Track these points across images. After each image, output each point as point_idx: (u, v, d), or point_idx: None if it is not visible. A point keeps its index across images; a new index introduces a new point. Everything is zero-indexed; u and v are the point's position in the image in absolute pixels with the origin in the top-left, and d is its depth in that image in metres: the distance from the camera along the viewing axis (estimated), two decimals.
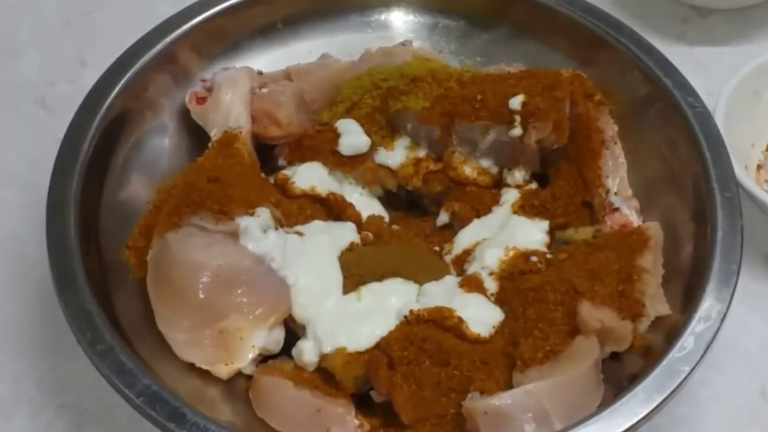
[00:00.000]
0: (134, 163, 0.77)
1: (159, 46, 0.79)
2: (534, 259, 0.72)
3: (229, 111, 0.77)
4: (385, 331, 0.68)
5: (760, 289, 0.80)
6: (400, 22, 0.87)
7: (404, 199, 0.80)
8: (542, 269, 0.71)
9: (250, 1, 0.83)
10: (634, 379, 0.63)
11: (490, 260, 0.72)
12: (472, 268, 0.73)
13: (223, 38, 0.83)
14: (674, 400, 0.63)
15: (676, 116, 0.75)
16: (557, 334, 0.66)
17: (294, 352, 0.69)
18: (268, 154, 0.79)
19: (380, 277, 0.71)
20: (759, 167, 0.85)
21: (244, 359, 0.68)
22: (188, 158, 0.78)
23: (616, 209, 0.74)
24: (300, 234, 0.72)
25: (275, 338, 0.69)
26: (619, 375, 0.66)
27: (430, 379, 0.65)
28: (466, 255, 0.75)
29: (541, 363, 0.65)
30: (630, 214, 0.74)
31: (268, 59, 0.84)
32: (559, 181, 0.77)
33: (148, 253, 0.70)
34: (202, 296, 0.67)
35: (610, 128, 0.77)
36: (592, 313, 0.66)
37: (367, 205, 0.78)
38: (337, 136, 0.77)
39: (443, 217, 0.78)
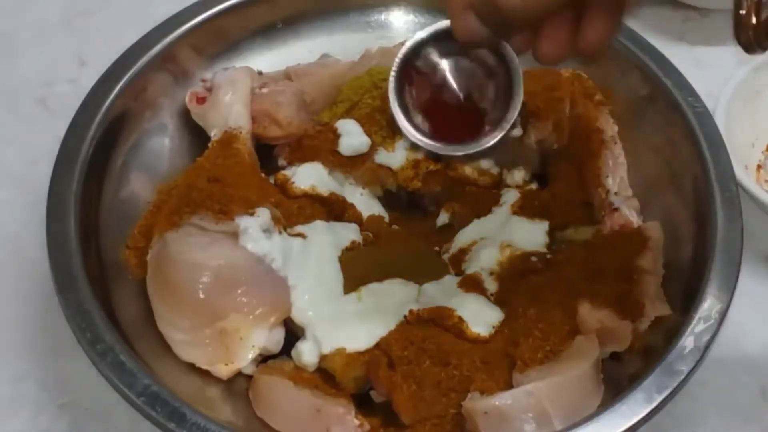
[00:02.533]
0: (134, 163, 0.77)
1: (159, 46, 0.79)
2: (534, 259, 0.72)
3: (229, 111, 0.77)
4: (385, 331, 0.68)
5: (760, 289, 0.80)
6: (400, 22, 0.87)
7: (404, 199, 0.80)
8: (542, 269, 0.71)
9: (250, 1, 0.83)
10: (634, 379, 0.63)
11: (486, 259, 0.72)
12: (471, 268, 0.73)
13: (223, 38, 0.83)
14: (674, 400, 0.63)
15: (676, 116, 0.75)
16: (557, 334, 0.66)
17: (293, 353, 0.69)
18: (268, 154, 0.79)
19: (380, 277, 0.72)
20: (759, 167, 0.85)
21: (244, 359, 0.68)
22: (188, 158, 0.78)
23: (616, 209, 0.74)
24: (303, 236, 0.72)
25: (275, 338, 0.69)
26: (619, 375, 0.66)
27: (430, 379, 0.65)
28: (463, 254, 0.75)
29: (541, 363, 0.65)
30: (630, 214, 0.74)
31: (268, 59, 0.84)
32: (559, 181, 0.77)
33: (148, 253, 0.70)
34: (202, 296, 0.67)
35: (610, 128, 0.77)
36: (592, 313, 0.66)
37: (367, 205, 0.78)
38: (337, 136, 0.77)
39: (443, 217, 0.78)
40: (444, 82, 0.64)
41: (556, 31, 0.59)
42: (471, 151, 0.64)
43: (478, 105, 0.64)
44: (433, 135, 0.64)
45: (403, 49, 0.64)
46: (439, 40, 0.63)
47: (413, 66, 0.64)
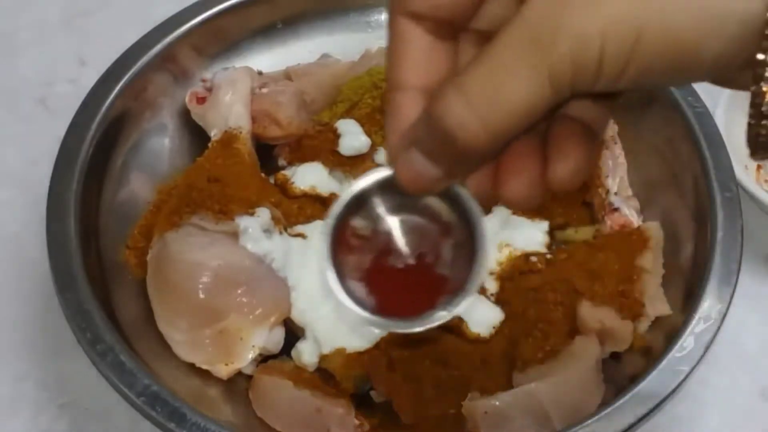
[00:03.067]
0: (134, 163, 0.77)
1: (159, 46, 0.79)
2: (534, 259, 0.72)
3: (229, 111, 0.77)
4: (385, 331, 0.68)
5: (760, 289, 0.80)
6: None
7: None
8: (542, 269, 0.71)
9: (250, 1, 0.83)
10: (634, 379, 0.63)
11: None
12: None
13: (223, 38, 0.83)
14: (674, 400, 0.63)
15: (676, 116, 0.75)
16: (557, 334, 0.66)
17: (293, 353, 0.69)
18: (268, 154, 0.79)
19: None
20: (759, 167, 0.84)
21: (244, 359, 0.68)
22: (188, 158, 0.78)
23: (616, 209, 0.74)
24: (303, 236, 0.72)
25: (275, 338, 0.69)
26: (619, 375, 0.66)
27: (430, 379, 0.65)
28: None
29: (541, 363, 0.65)
30: (630, 214, 0.74)
31: (268, 59, 0.84)
32: None
33: (148, 253, 0.70)
34: (202, 296, 0.67)
35: (610, 128, 0.77)
36: (592, 313, 0.66)
37: None
38: (337, 136, 0.77)
39: None
40: (389, 245, 0.50)
41: (520, 163, 0.44)
42: (430, 326, 0.48)
43: (434, 270, 0.49)
44: (379, 309, 0.49)
45: (334, 210, 0.49)
46: (373, 194, 0.49)
47: (349, 228, 0.50)
